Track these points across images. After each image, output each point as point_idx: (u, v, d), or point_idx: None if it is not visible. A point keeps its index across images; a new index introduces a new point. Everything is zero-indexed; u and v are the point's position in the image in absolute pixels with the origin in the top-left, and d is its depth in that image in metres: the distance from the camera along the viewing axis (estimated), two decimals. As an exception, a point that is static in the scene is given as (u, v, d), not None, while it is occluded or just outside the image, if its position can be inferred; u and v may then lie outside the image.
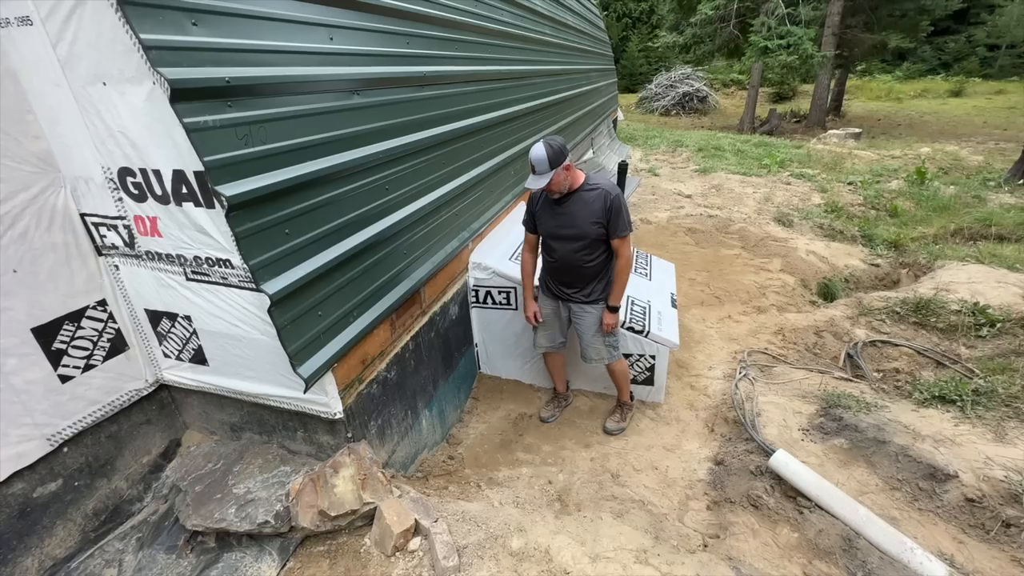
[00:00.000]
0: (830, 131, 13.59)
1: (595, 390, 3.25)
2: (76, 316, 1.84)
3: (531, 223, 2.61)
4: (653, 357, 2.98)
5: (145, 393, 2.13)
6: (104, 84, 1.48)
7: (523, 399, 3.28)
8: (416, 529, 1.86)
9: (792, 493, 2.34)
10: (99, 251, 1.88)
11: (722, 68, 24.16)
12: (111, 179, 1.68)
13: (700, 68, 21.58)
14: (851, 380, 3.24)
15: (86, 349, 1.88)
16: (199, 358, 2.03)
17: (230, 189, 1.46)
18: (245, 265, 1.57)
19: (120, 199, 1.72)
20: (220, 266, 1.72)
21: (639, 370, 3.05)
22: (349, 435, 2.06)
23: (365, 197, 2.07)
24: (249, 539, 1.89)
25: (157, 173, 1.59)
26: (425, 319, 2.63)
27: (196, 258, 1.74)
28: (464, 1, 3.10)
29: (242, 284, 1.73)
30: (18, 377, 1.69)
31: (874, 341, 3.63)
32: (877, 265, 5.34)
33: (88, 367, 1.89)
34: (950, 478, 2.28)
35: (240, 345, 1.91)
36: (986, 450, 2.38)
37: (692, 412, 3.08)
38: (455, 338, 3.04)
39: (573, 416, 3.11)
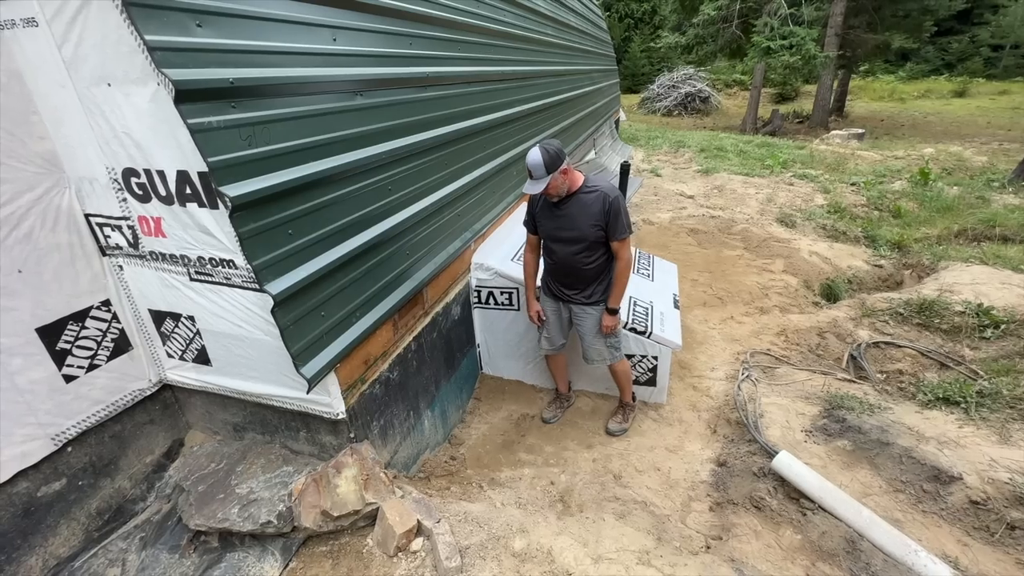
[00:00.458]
0: (833, 132, 13.54)
1: (597, 391, 3.25)
2: (80, 316, 1.84)
3: (531, 224, 2.61)
4: (655, 358, 2.98)
5: (149, 393, 2.14)
6: (109, 85, 1.49)
7: (525, 400, 3.27)
8: (418, 530, 1.86)
9: (795, 495, 2.33)
10: (103, 251, 1.89)
11: (724, 69, 24.13)
12: (115, 180, 1.69)
13: (702, 69, 21.56)
14: (854, 381, 3.23)
15: (90, 349, 1.89)
16: (202, 358, 2.03)
17: (234, 190, 1.47)
18: (248, 265, 1.57)
19: (124, 200, 1.73)
20: (224, 266, 1.72)
21: (641, 371, 3.04)
22: (352, 435, 2.06)
23: (368, 198, 2.08)
24: (252, 539, 1.90)
25: (161, 174, 1.60)
26: (427, 319, 2.63)
27: (200, 258, 1.74)
28: (466, 2, 3.10)
29: (245, 284, 1.73)
30: (23, 377, 1.70)
31: (877, 342, 3.62)
32: (880, 266, 5.32)
33: (92, 367, 1.90)
34: (954, 480, 2.27)
35: (243, 345, 1.91)
36: (991, 452, 2.37)
37: (694, 413, 3.07)
38: (457, 339, 3.04)
39: (575, 417, 3.11)
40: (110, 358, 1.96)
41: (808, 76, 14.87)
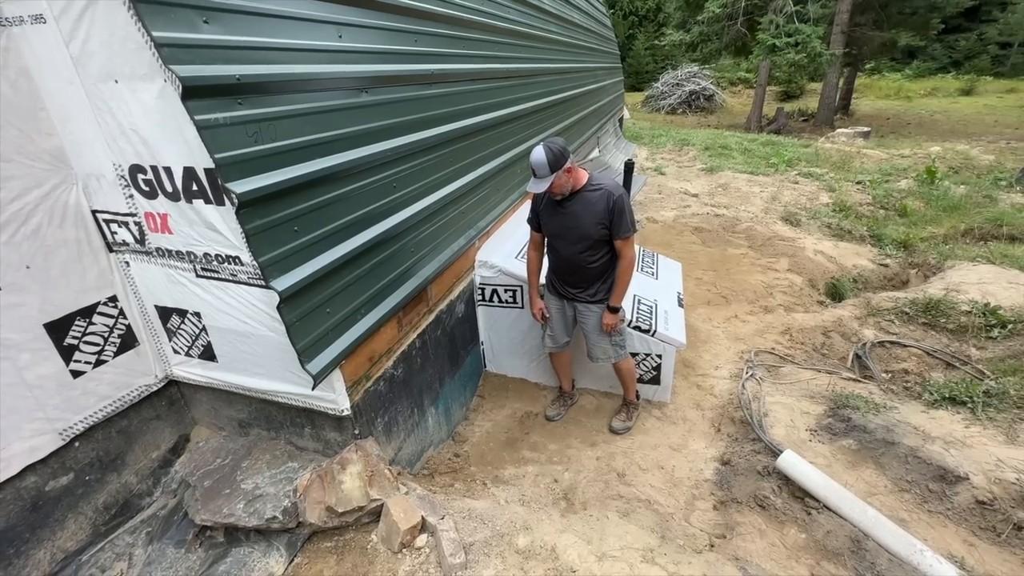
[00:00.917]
0: (838, 130, 13.47)
1: (601, 389, 3.25)
2: (87, 312, 1.85)
3: (535, 222, 2.61)
4: (659, 356, 2.97)
5: (155, 389, 2.15)
6: (116, 82, 1.49)
7: (529, 397, 3.28)
8: (423, 526, 1.86)
9: (800, 494, 2.32)
10: (110, 247, 1.90)
11: (729, 66, 23.99)
12: (122, 176, 1.70)
13: (707, 66, 21.44)
14: (859, 381, 3.21)
15: (97, 345, 1.90)
16: (208, 354, 2.04)
17: (240, 186, 1.47)
18: (255, 262, 1.58)
19: (131, 196, 1.73)
20: (230, 263, 1.73)
21: (645, 369, 3.04)
22: (356, 432, 2.07)
23: (373, 195, 2.08)
24: (257, 534, 1.91)
25: (168, 170, 1.60)
26: (432, 317, 2.64)
27: (206, 255, 1.75)
28: (472, -1, 3.10)
29: (251, 281, 1.74)
30: (31, 372, 1.71)
31: (883, 342, 3.60)
32: (886, 265, 5.29)
33: (99, 362, 1.91)
34: (960, 480, 2.25)
35: (249, 342, 1.92)
36: (997, 452, 2.36)
37: (698, 412, 3.07)
38: (461, 336, 3.04)
39: (579, 415, 3.11)
40: (117, 354, 1.97)
41: (813, 74, 14.78)
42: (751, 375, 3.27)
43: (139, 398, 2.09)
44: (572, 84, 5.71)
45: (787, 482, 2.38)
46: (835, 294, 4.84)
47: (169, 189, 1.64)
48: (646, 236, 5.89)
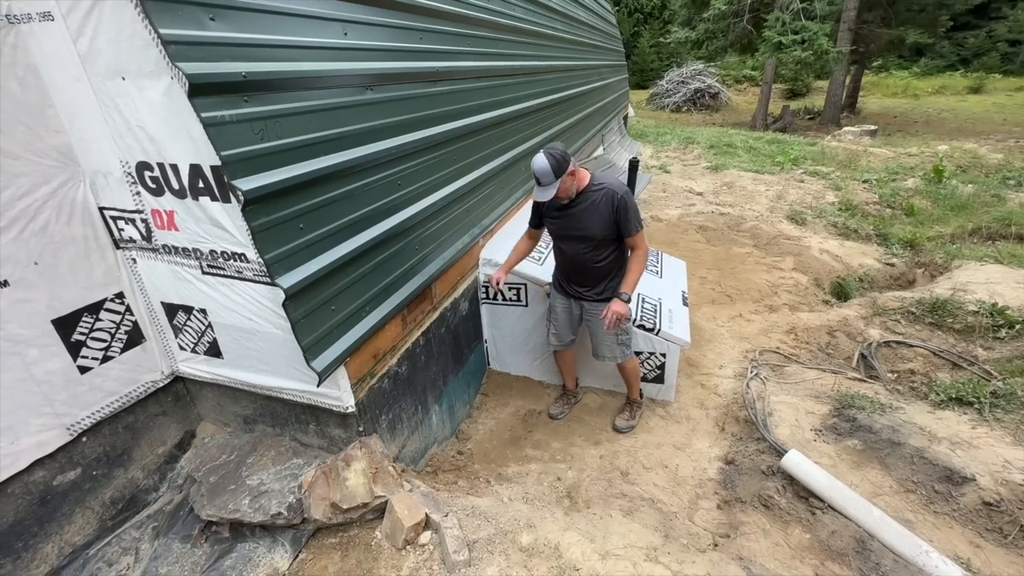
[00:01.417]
0: (845, 128, 13.35)
1: (604, 387, 3.24)
2: (95, 308, 1.87)
3: (536, 220, 2.62)
4: (664, 355, 2.96)
5: (161, 385, 2.16)
6: (123, 79, 1.50)
7: (532, 395, 3.28)
8: (426, 523, 1.87)
9: (804, 494, 2.32)
10: (117, 244, 1.91)
11: (735, 64, 23.85)
12: (129, 173, 1.70)
13: (712, 64, 21.32)
14: (865, 381, 3.20)
15: (104, 341, 1.91)
16: (214, 351, 2.05)
17: (246, 183, 1.47)
18: (260, 259, 1.58)
19: (138, 193, 1.74)
20: (235, 260, 1.73)
21: (649, 368, 3.03)
22: (360, 429, 2.08)
23: (378, 192, 2.08)
24: (262, 530, 1.92)
25: (174, 167, 1.61)
26: (436, 315, 2.64)
27: (212, 252, 1.76)
28: (477, -4, 3.09)
29: (257, 278, 1.74)
30: (39, 367, 1.72)
31: (888, 342, 3.58)
32: (892, 264, 5.26)
33: (106, 358, 1.92)
34: (967, 481, 2.24)
35: (254, 338, 1.93)
36: (1005, 453, 2.34)
37: (702, 411, 3.06)
38: (465, 334, 3.05)
39: (582, 413, 3.11)
40: (124, 350, 1.98)
41: (820, 72, 14.69)
42: (755, 374, 3.26)
43: (145, 394, 2.10)
44: (577, 82, 5.69)
45: (791, 482, 2.37)
46: (840, 293, 4.81)
47: (176, 186, 1.65)
48: (650, 235, 5.87)
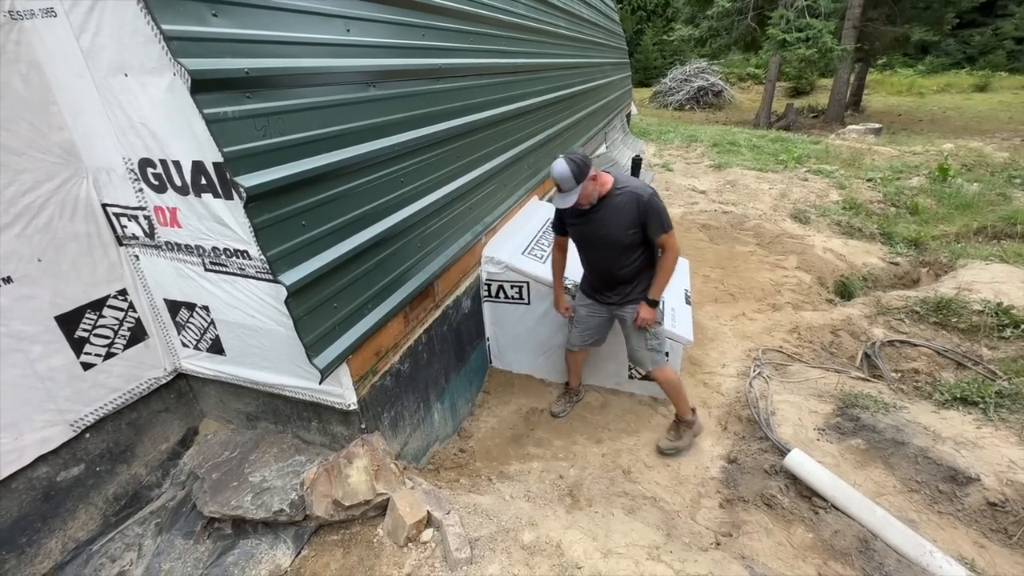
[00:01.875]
0: (849, 126, 13.29)
1: (606, 386, 3.24)
2: (98, 305, 1.87)
3: (559, 226, 2.56)
4: (667, 354, 2.95)
5: (164, 382, 2.17)
6: (126, 75, 1.50)
7: (534, 393, 3.27)
8: (428, 520, 1.87)
9: (807, 493, 2.31)
10: (120, 241, 1.91)
11: (738, 62, 23.73)
12: (132, 170, 1.70)
13: (716, 62, 21.22)
14: (868, 380, 3.19)
15: (107, 337, 1.92)
16: (216, 348, 2.06)
17: (248, 180, 1.47)
18: (263, 256, 1.58)
19: (141, 190, 1.74)
20: (238, 257, 1.73)
21: (652, 366, 3.02)
22: (363, 426, 2.08)
23: (380, 190, 2.08)
24: (265, 526, 1.92)
25: (177, 164, 1.61)
26: (438, 312, 2.64)
27: (214, 249, 1.76)
28: (480, -7, 3.08)
29: (259, 275, 1.74)
30: (43, 364, 1.72)
31: (892, 341, 3.56)
32: (896, 263, 5.23)
33: (109, 355, 1.93)
34: (971, 481, 2.23)
35: (257, 335, 1.93)
36: (1009, 453, 2.33)
37: (705, 410, 3.05)
38: (467, 332, 3.04)
39: (584, 411, 3.10)
40: (127, 347, 1.99)
41: (824, 70, 14.62)
42: (758, 373, 3.25)
43: (148, 391, 2.10)
44: (580, 79, 5.67)
45: (794, 481, 2.36)
46: (844, 292, 4.79)
47: (178, 183, 1.65)
48: (653, 233, 5.85)
